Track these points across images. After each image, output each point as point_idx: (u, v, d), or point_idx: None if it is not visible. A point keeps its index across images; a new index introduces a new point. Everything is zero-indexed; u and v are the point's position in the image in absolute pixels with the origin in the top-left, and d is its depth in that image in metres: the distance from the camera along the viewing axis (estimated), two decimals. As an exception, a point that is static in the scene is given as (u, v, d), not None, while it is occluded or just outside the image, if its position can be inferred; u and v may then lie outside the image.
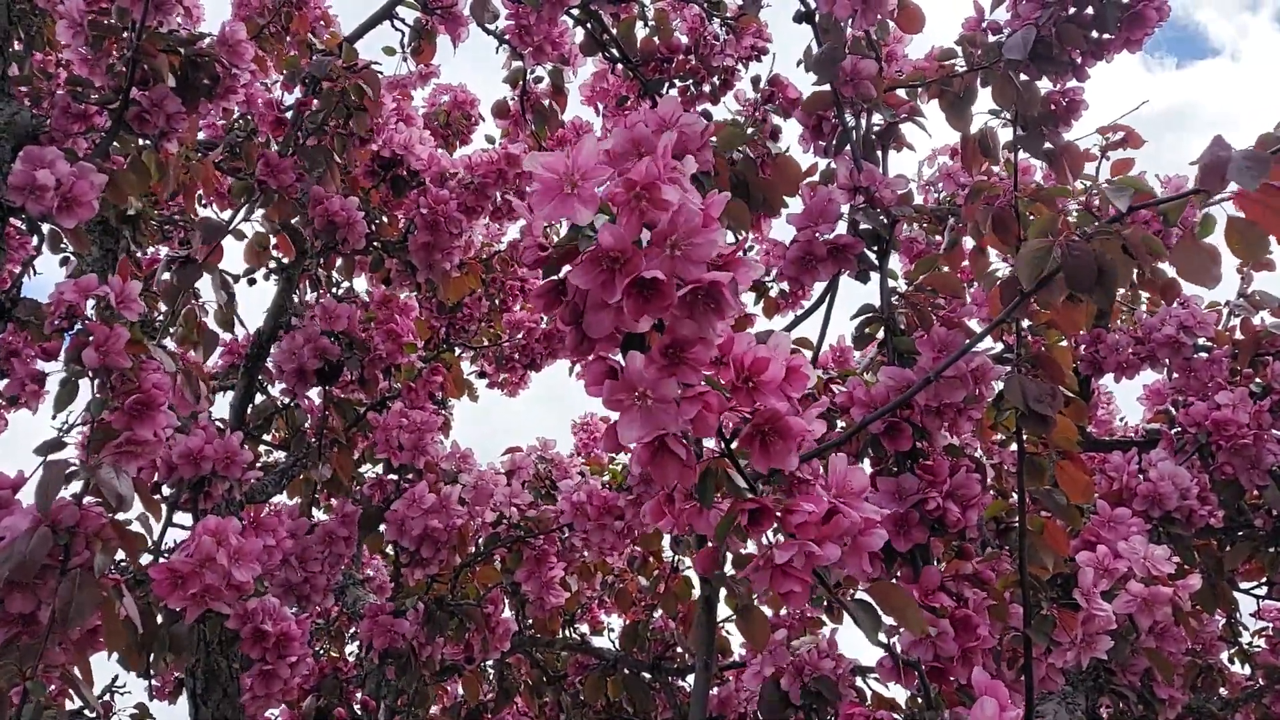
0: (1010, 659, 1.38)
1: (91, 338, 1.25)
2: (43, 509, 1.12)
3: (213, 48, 1.74)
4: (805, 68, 1.62)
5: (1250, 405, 1.80)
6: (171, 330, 2.09)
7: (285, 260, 2.15)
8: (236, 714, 1.89)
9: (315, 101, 1.93)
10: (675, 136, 1.22)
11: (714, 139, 1.50)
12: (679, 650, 2.32)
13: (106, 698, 2.01)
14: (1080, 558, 1.34)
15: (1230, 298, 2.14)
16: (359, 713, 2.11)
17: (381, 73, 2.00)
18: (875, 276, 1.49)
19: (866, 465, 1.40)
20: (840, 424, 1.48)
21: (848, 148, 1.59)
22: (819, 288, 1.64)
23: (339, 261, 2.24)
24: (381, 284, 2.27)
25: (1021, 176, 1.88)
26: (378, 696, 2.08)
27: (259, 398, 2.32)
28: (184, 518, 1.67)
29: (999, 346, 1.37)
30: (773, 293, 2.14)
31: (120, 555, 1.20)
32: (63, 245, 1.78)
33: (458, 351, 2.98)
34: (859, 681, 1.49)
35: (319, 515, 2.10)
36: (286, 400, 2.20)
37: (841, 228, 1.47)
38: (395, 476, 1.94)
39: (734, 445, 0.81)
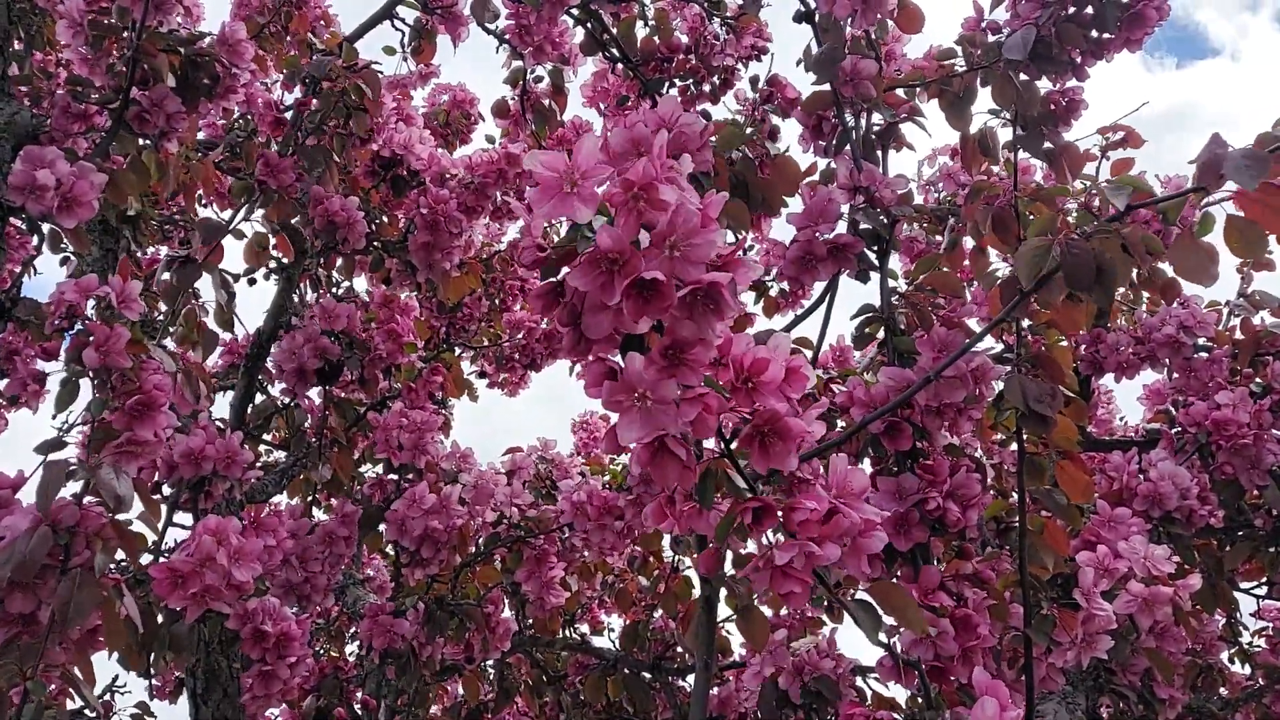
0: (1010, 659, 1.38)
1: (92, 338, 1.25)
2: (44, 509, 1.12)
3: (213, 47, 1.74)
4: (805, 67, 1.62)
5: (1250, 405, 1.80)
6: (171, 330, 2.09)
7: (285, 260, 2.15)
8: (237, 714, 1.89)
9: (315, 101, 1.93)
10: (671, 137, 1.22)
11: (713, 139, 1.50)
12: (679, 650, 2.32)
13: (107, 697, 2.01)
14: (1080, 557, 1.34)
15: (1230, 298, 2.14)
16: (359, 712, 2.11)
17: (381, 72, 2.00)
18: (875, 276, 1.49)
19: (867, 465, 1.41)
20: (840, 424, 1.48)
21: (848, 147, 1.59)
22: (819, 287, 1.64)
23: (339, 261, 2.24)
24: (381, 284, 2.27)
25: (1021, 176, 1.88)
26: (378, 696, 2.08)
27: (259, 398, 2.32)
28: (184, 517, 1.67)
29: (999, 346, 1.37)
30: (773, 292, 2.14)
31: (120, 555, 1.20)
32: (63, 245, 1.78)
33: (458, 351, 2.98)
34: (859, 681, 1.49)
35: (319, 515, 2.10)
36: (286, 400, 2.20)
37: (841, 227, 1.47)
38: (395, 476, 1.94)
39: (734, 446, 0.81)
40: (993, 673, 1.01)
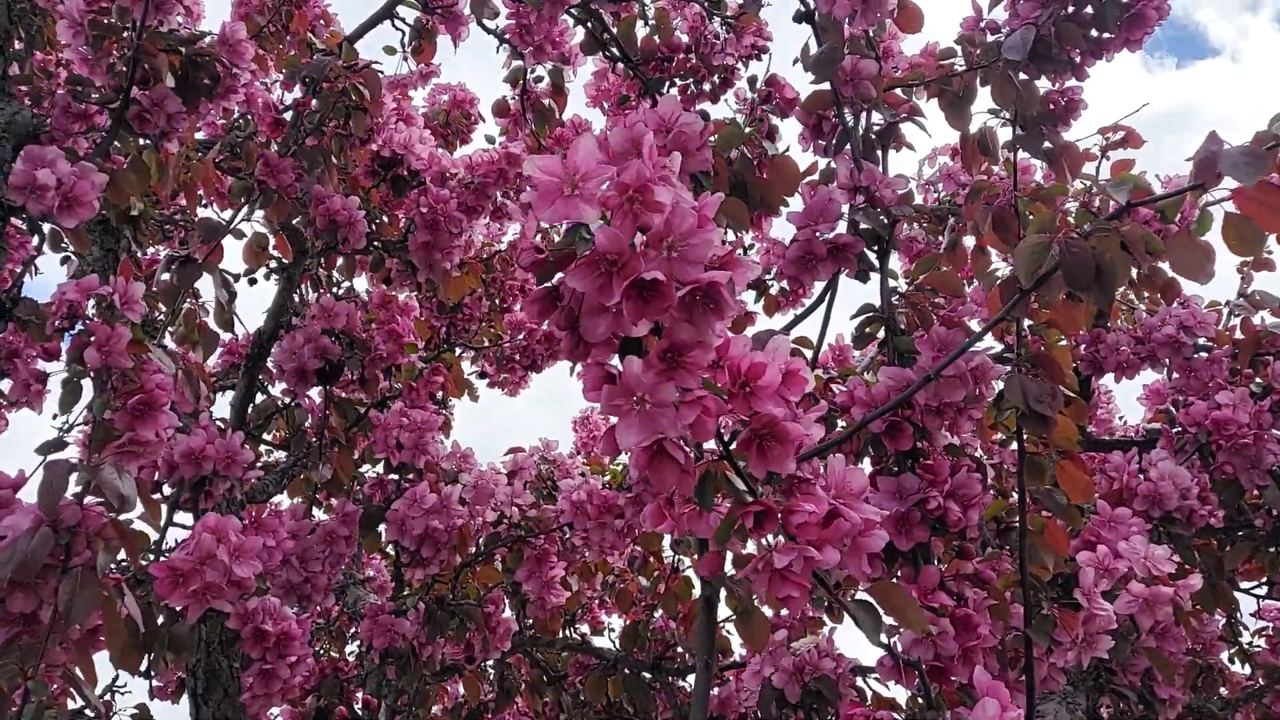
0: (1011, 659, 1.38)
1: (93, 338, 1.25)
2: (46, 509, 1.12)
3: (213, 47, 1.74)
4: (804, 67, 1.62)
5: (1250, 405, 1.80)
6: (171, 330, 2.09)
7: (285, 260, 2.15)
8: (237, 713, 1.89)
9: (314, 102, 1.93)
10: (671, 136, 1.22)
11: (713, 138, 1.50)
12: (679, 650, 2.32)
13: (107, 697, 2.01)
14: (1081, 557, 1.34)
15: (1230, 297, 2.14)
16: (360, 712, 2.11)
17: (382, 72, 2.00)
18: (875, 276, 1.49)
19: (867, 464, 1.41)
20: (840, 423, 1.48)
21: (848, 147, 1.59)
22: (819, 287, 1.64)
23: (339, 261, 2.24)
24: (382, 284, 2.27)
25: (1021, 176, 1.88)
26: (378, 696, 2.08)
27: (259, 397, 2.33)
28: (185, 517, 1.67)
29: (999, 346, 1.37)
30: (773, 291, 2.14)
31: (121, 555, 1.20)
32: (63, 245, 1.78)
33: (458, 352, 2.98)
34: (859, 681, 1.49)
35: (319, 515, 2.10)
36: (287, 400, 2.20)
37: (841, 227, 1.47)
38: (395, 476, 1.94)
39: (733, 448, 0.81)
40: (993, 673, 1.01)
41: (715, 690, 2.01)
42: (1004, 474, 1.57)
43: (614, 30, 2.26)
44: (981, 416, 1.35)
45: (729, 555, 0.89)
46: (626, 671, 2.30)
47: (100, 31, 1.65)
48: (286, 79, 1.99)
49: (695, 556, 2.16)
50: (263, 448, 2.70)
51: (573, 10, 2.18)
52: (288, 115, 2.01)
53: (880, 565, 1.27)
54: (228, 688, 1.90)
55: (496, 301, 3.03)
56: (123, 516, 1.19)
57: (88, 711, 1.48)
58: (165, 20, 1.67)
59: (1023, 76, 1.50)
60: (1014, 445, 1.36)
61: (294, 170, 1.86)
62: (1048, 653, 1.33)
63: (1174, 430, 1.89)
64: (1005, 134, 1.56)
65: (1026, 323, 1.31)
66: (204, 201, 2.45)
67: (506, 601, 2.07)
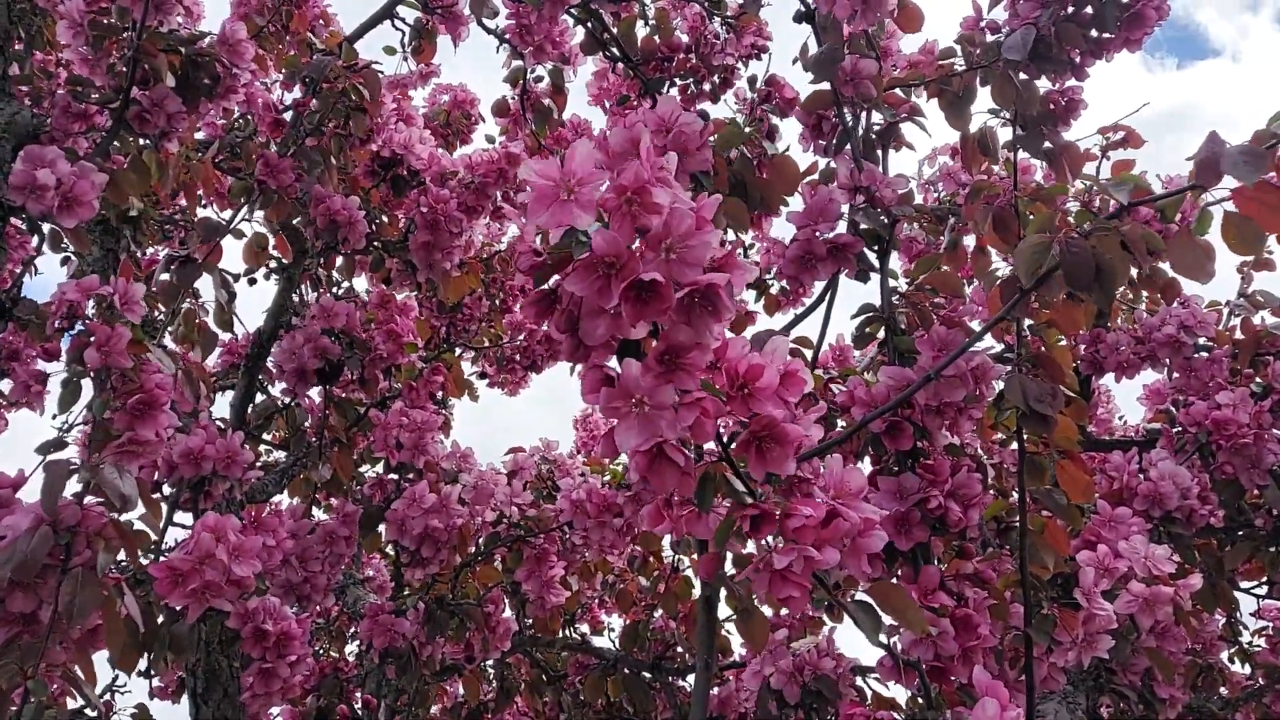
0: (1011, 658, 1.38)
1: (93, 338, 1.25)
2: (48, 509, 1.12)
3: (213, 47, 1.74)
4: (804, 67, 1.62)
5: (1250, 405, 1.80)
6: (171, 330, 2.09)
7: (285, 260, 2.15)
8: (237, 713, 1.89)
9: (314, 102, 1.93)
10: (670, 136, 1.22)
11: (713, 138, 1.50)
12: (679, 650, 2.33)
13: (107, 697, 2.01)
14: (1081, 557, 1.34)
15: (1231, 297, 2.14)
16: (360, 712, 2.11)
17: (382, 72, 2.00)
18: (875, 276, 1.49)
19: (867, 464, 1.41)
20: (841, 423, 1.48)
21: (848, 147, 1.59)
22: (820, 286, 1.64)
23: (339, 261, 2.24)
24: (382, 284, 2.27)
25: (1021, 176, 1.88)
26: (378, 696, 2.08)
27: (259, 397, 2.32)
28: (185, 517, 1.67)
29: (999, 346, 1.37)
30: (773, 290, 2.14)
31: (121, 554, 1.20)
32: (63, 245, 1.78)
33: (458, 351, 2.98)
34: (859, 681, 1.49)
35: (319, 515, 2.10)
36: (287, 400, 2.20)
37: (841, 227, 1.47)
38: (395, 476, 1.94)
39: (732, 449, 0.81)
40: (993, 672, 1.01)
41: (715, 690, 2.01)
42: (1004, 474, 1.57)
43: (614, 30, 2.26)
44: (981, 416, 1.35)
45: (729, 555, 0.89)
46: (626, 671, 2.30)
47: (100, 31, 1.65)
48: (286, 79, 1.99)
49: (695, 556, 2.16)
50: (263, 448, 2.70)
51: (573, 10, 2.18)
52: (287, 115, 2.00)
53: (880, 565, 1.27)
54: (227, 687, 1.91)
55: (496, 301, 3.03)
56: (123, 516, 1.19)
57: (88, 711, 1.48)
58: (165, 20, 1.67)
59: (1023, 76, 1.50)
60: (1014, 445, 1.36)
61: (294, 170, 1.86)
62: (1048, 652, 1.33)
63: (1174, 430, 1.89)
64: (1005, 134, 1.56)
65: (1026, 323, 1.31)
66: (204, 201, 2.45)
67: (506, 601, 2.07)
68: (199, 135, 2.19)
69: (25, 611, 1.10)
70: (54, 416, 1.73)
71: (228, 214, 1.87)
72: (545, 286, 0.77)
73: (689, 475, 0.77)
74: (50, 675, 1.15)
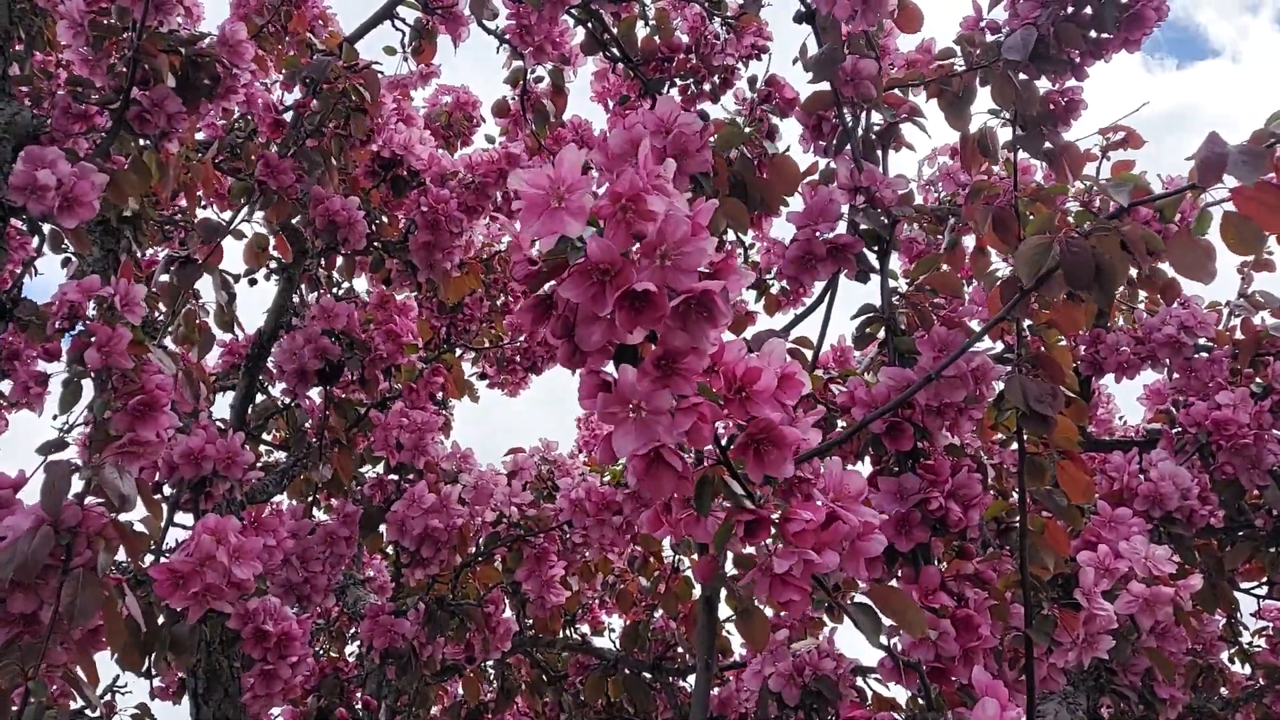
0: (1011, 659, 1.38)
1: (93, 338, 1.25)
2: (49, 510, 1.12)
3: (213, 47, 1.74)
4: (804, 67, 1.62)
5: (1251, 405, 1.80)
6: (171, 330, 2.09)
7: (285, 261, 2.15)
8: (238, 713, 1.90)
9: (314, 102, 1.93)
10: (670, 137, 1.22)
11: (712, 139, 1.50)
12: (679, 650, 2.33)
13: (108, 697, 2.01)
14: (1081, 558, 1.34)
15: (1231, 298, 2.14)
16: (360, 713, 2.11)
17: (382, 73, 2.00)
18: (875, 276, 1.49)
19: (867, 464, 1.41)
20: (841, 424, 1.48)
21: (848, 147, 1.59)
22: (819, 286, 1.64)
23: (339, 261, 2.24)
24: (382, 284, 2.27)
25: (1021, 176, 1.88)
26: (378, 696, 2.08)
27: (260, 398, 2.33)
28: (185, 518, 1.67)
29: (999, 346, 1.37)
30: (773, 290, 2.14)
31: (122, 555, 1.20)
32: (64, 245, 1.78)
33: (458, 352, 2.98)
34: (860, 681, 1.49)
35: (319, 515, 2.10)
36: (287, 400, 2.20)
37: (842, 227, 1.47)
38: (395, 477, 1.94)
39: (730, 452, 0.81)
40: (994, 673, 1.01)
41: (715, 690, 2.01)
42: (1004, 474, 1.58)
43: (614, 30, 2.26)
44: (982, 416, 1.35)
45: (730, 556, 0.89)
46: (626, 671, 2.30)
47: (100, 32, 1.65)
48: (286, 79, 1.99)
49: (695, 557, 2.16)
50: (263, 448, 2.70)
51: (573, 10, 2.18)
52: (288, 116, 2.01)
53: (881, 566, 1.27)
54: (228, 688, 1.91)
55: (497, 302, 3.03)
56: (123, 517, 1.19)
57: (88, 712, 1.48)
58: (165, 20, 1.67)
59: (1023, 76, 1.50)
60: (1014, 445, 1.36)
61: (294, 171, 1.86)
62: (1048, 653, 1.33)
63: (1174, 430, 1.89)
64: (1005, 134, 1.56)
65: (1026, 323, 1.31)
66: (204, 202, 2.45)
67: (506, 601, 2.07)
68: (199, 136, 2.19)
69: (26, 612, 1.10)
70: (54, 417, 1.73)
71: (228, 215, 1.87)
72: (541, 292, 0.76)
73: (686, 479, 0.77)
74: (51, 676, 1.15)
